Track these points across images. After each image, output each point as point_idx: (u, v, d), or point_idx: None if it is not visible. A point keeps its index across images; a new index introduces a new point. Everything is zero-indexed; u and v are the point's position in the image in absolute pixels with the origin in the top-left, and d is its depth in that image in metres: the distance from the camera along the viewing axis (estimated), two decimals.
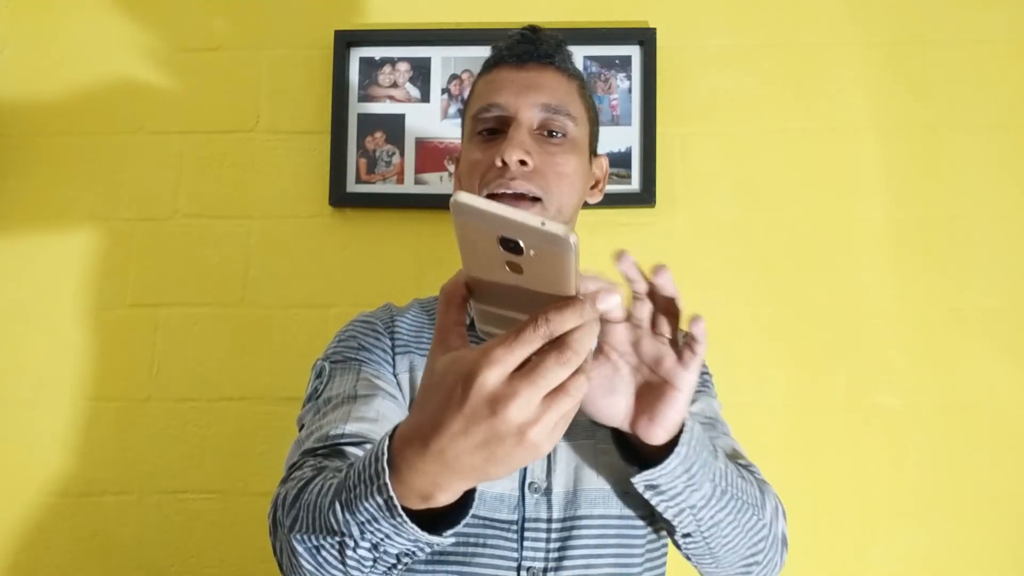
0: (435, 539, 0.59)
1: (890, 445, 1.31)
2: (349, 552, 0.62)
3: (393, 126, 1.40)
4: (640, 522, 0.82)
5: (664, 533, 0.86)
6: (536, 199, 0.88)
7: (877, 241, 1.36)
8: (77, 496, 1.35)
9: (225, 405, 1.36)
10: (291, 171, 1.41)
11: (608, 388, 0.67)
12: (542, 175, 0.88)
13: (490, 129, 0.92)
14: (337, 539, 0.63)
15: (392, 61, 1.42)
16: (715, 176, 1.39)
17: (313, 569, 0.66)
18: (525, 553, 0.79)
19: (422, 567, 0.79)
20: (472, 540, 0.79)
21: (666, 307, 0.65)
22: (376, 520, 0.59)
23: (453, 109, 1.40)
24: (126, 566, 1.33)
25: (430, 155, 1.40)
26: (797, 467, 1.31)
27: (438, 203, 1.37)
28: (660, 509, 0.74)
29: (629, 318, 0.65)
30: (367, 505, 0.58)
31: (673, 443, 0.69)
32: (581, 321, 0.49)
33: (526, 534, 0.80)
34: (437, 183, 1.39)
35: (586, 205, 1.00)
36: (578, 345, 0.48)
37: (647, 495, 0.74)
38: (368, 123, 1.40)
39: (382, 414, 0.82)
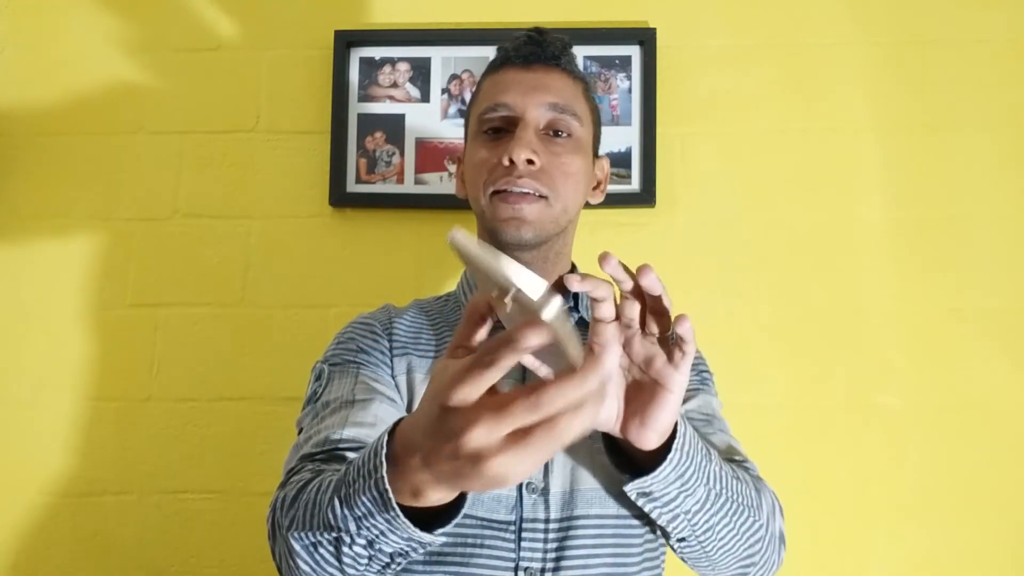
0: (427, 537, 0.59)
1: (890, 445, 1.31)
2: (345, 549, 0.63)
3: (393, 126, 1.40)
4: (636, 522, 0.83)
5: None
6: (542, 197, 0.89)
7: (877, 241, 1.36)
8: (77, 496, 1.35)
9: (225, 405, 1.36)
10: (291, 171, 1.42)
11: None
12: (548, 174, 0.89)
13: (496, 128, 0.92)
14: (334, 535, 0.63)
15: (392, 61, 1.42)
16: (715, 176, 1.39)
17: (310, 569, 0.66)
18: (523, 553, 0.79)
19: (420, 567, 0.79)
20: (470, 540, 0.79)
21: (654, 306, 0.65)
22: (372, 515, 0.59)
23: (453, 109, 1.40)
24: (126, 566, 1.33)
25: (430, 155, 1.40)
26: (797, 467, 1.31)
27: (438, 203, 1.37)
28: (654, 516, 0.75)
29: (619, 318, 0.65)
30: (364, 499, 0.59)
31: (666, 448, 0.69)
32: (569, 402, 0.46)
33: (524, 534, 0.80)
34: (437, 183, 1.39)
35: (587, 206, 1.00)
36: (559, 408, 0.46)
37: (640, 502, 0.74)
38: (368, 123, 1.40)
39: (379, 418, 0.82)
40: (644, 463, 0.71)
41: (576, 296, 0.94)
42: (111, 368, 1.38)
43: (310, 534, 0.65)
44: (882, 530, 1.30)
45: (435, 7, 1.43)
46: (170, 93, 1.44)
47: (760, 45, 1.41)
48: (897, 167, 1.37)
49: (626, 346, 0.66)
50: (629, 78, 1.39)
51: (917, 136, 1.38)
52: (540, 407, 0.46)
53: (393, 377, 0.89)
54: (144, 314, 1.39)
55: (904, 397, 1.32)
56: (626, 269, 0.62)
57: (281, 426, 1.34)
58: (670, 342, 0.67)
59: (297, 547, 0.67)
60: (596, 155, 1.00)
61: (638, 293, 0.65)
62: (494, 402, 0.47)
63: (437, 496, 0.56)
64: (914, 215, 1.36)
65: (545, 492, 0.81)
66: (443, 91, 1.41)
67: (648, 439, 0.67)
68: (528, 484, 0.81)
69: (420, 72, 1.41)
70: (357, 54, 1.42)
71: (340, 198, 1.38)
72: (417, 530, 0.58)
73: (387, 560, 0.63)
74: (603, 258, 0.60)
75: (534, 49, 0.94)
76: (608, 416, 0.68)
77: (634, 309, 0.65)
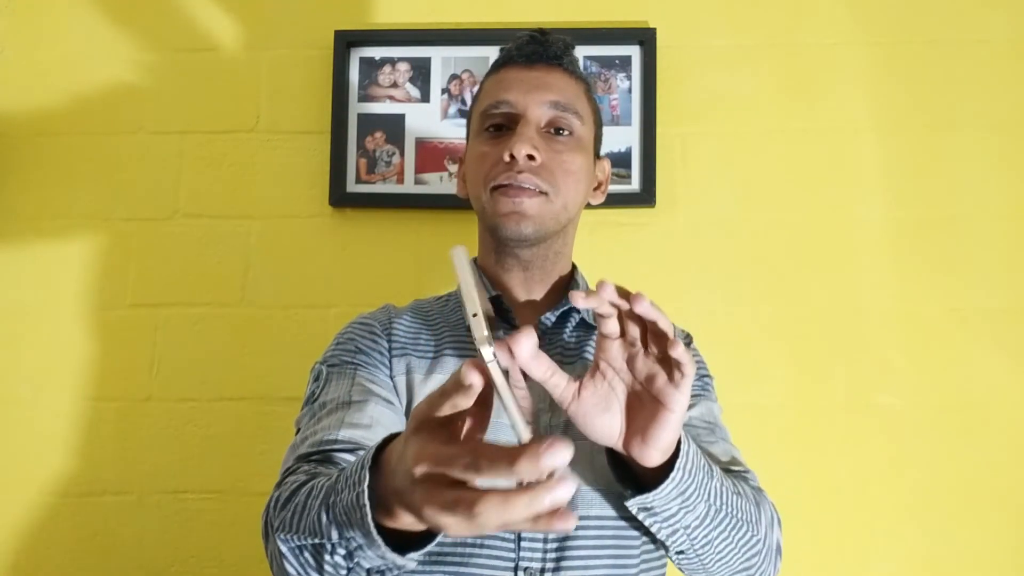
0: (399, 560, 0.59)
1: (890, 445, 1.31)
2: (327, 556, 0.63)
3: (393, 126, 1.40)
4: (637, 524, 0.83)
5: None
6: (543, 193, 0.89)
7: (877, 241, 1.36)
8: (77, 496, 1.35)
9: (225, 405, 1.36)
10: (291, 171, 1.41)
11: (603, 407, 0.66)
12: (549, 171, 0.90)
13: (497, 125, 0.93)
14: (317, 541, 0.63)
15: (392, 61, 1.42)
16: (715, 176, 1.39)
17: (295, 571, 0.67)
18: (522, 554, 0.79)
19: (419, 567, 0.79)
20: (469, 540, 0.79)
21: (652, 328, 0.65)
22: (352, 527, 0.59)
23: (453, 109, 1.40)
24: (126, 566, 1.33)
25: (430, 155, 1.40)
26: (797, 467, 1.31)
27: (438, 203, 1.37)
28: (654, 530, 0.75)
29: (624, 335, 0.65)
30: (345, 511, 0.59)
31: (668, 465, 0.69)
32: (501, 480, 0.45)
33: (523, 535, 0.80)
34: (437, 183, 1.39)
35: (588, 206, 1.00)
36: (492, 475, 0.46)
37: (640, 516, 0.74)
38: (368, 123, 1.40)
39: (376, 420, 0.82)
40: (646, 478, 0.71)
41: None
42: (111, 368, 1.38)
43: (296, 537, 0.66)
44: (882, 530, 1.30)
45: (435, 7, 1.43)
46: (170, 93, 1.44)
47: (760, 45, 1.41)
48: (897, 167, 1.37)
49: (629, 363, 0.65)
50: (629, 78, 1.39)
51: (917, 136, 1.38)
52: (472, 468, 0.46)
53: (392, 378, 0.89)
54: (144, 314, 1.39)
55: (904, 397, 1.32)
56: (624, 293, 0.62)
57: (281, 426, 1.34)
58: (671, 362, 0.66)
59: (284, 549, 0.67)
60: (597, 156, 1.00)
61: (637, 315, 0.65)
62: (447, 451, 0.48)
63: (408, 521, 0.56)
64: (914, 215, 1.36)
65: None
66: (443, 91, 1.41)
67: (650, 457, 0.67)
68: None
69: (420, 72, 1.41)
70: (357, 54, 1.42)
71: (340, 198, 1.38)
72: (389, 550, 0.58)
73: (364, 575, 0.63)
74: (600, 286, 0.59)
75: (537, 48, 0.95)
76: (611, 432, 0.67)
77: (635, 328, 0.65)
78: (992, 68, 1.38)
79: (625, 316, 0.63)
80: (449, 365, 0.89)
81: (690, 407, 0.91)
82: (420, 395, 0.87)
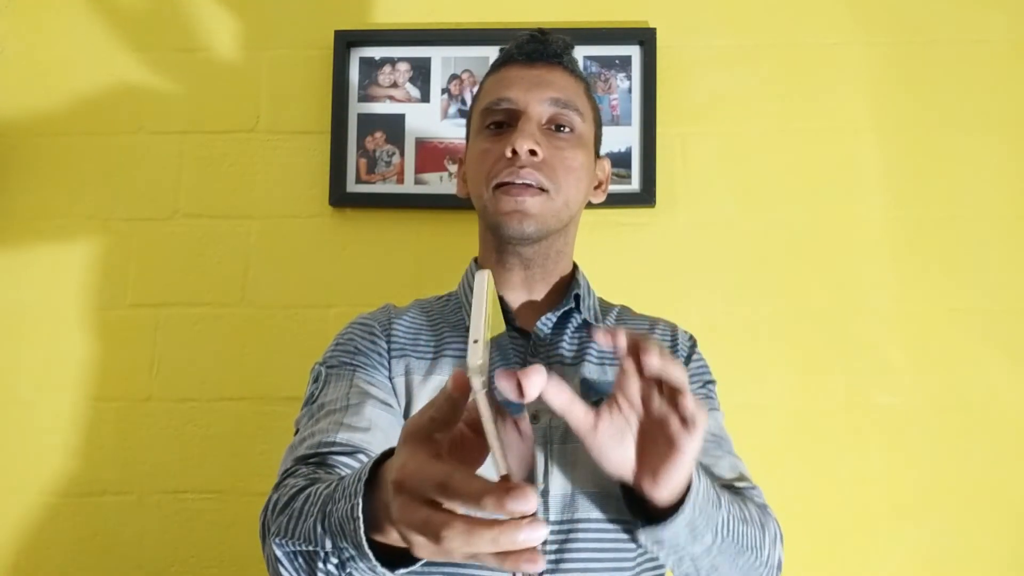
0: (388, 574, 0.59)
1: (890, 445, 1.31)
2: (320, 564, 0.64)
3: (393, 126, 1.40)
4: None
5: None
6: (544, 190, 0.89)
7: (877, 241, 1.36)
8: (77, 496, 1.35)
9: (225, 405, 1.36)
10: (291, 171, 1.41)
11: (618, 440, 0.66)
12: (551, 167, 0.90)
13: (499, 123, 0.93)
14: (311, 549, 0.63)
15: (392, 61, 1.42)
16: (715, 176, 1.39)
17: None
18: None
19: (417, 568, 0.79)
20: None
21: (665, 380, 0.64)
22: (345, 537, 0.59)
23: (453, 109, 1.40)
24: (126, 566, 1.33)
25: (430, 155, 1.40)
26: (797, 467, 1.31)
27: (438, 203, 1.37)
28: (661, 558, 0.75)
29: (642, 373, 0.64)
30: (339, 523, 0.59)
31: (678, 498, 0.69)
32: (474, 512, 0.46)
33: None
34: (437, 183, 1.39)
35: (589, 205, 1.00)
36: (460, 504, 0.46)
37: (647, 544, 0.75)
38: (368, 123, 1.40)
39: (374, 422, 0.82)
40: (655, 510, 0.71)
41: (577, 297, 0.94)
42: (111, 368, 1.38)
43: (291, 543, 0.66)
44: (882, 530, 1.30)
45: (435, 7, 1.43)
46: (170, 93, 1.44)
47: (760, 45, 1.41)
48: (897, 167, 1.37)
49: (646, 401, 0.66)
50: (629, 78, 1.40)
51: (917, 136, 1.38)
52: (445, 495, 0.46)
53: (391, 379, 0.89)
54: (144, 314, 1.39)
55: (904, 397, 1.32)
56: (637, 346, 0.62)
57: (281, 426, 1.34)
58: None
59: (279, 553, 0.67)
60: (598, 155, 1.00)
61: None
62: (432, 470, 0.48)
63: (395, 536, 0.55)
64: (914, 215, 1.36)
65: (545, 494, 0.81)
66: (443, 91, 1.41)
67: (660, 495, 0.67)
68: None
69: (420, 72, 1.41)
70: (357, 54, 1.42)
71: (340, 198, 1.38)
72: (379, 564, 0.58)
73: None
74: (615, 336, 0.60)
75: (537, 47, 0.95)
76: (624, 465, 0.68)
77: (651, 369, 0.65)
78: (992, 68, 1.38)
79: (640, 355, 0.63)
80: (449, 366, 0.89)
81: None
82: (419, 396, 0.87)
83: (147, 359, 1.38)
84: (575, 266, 1.01)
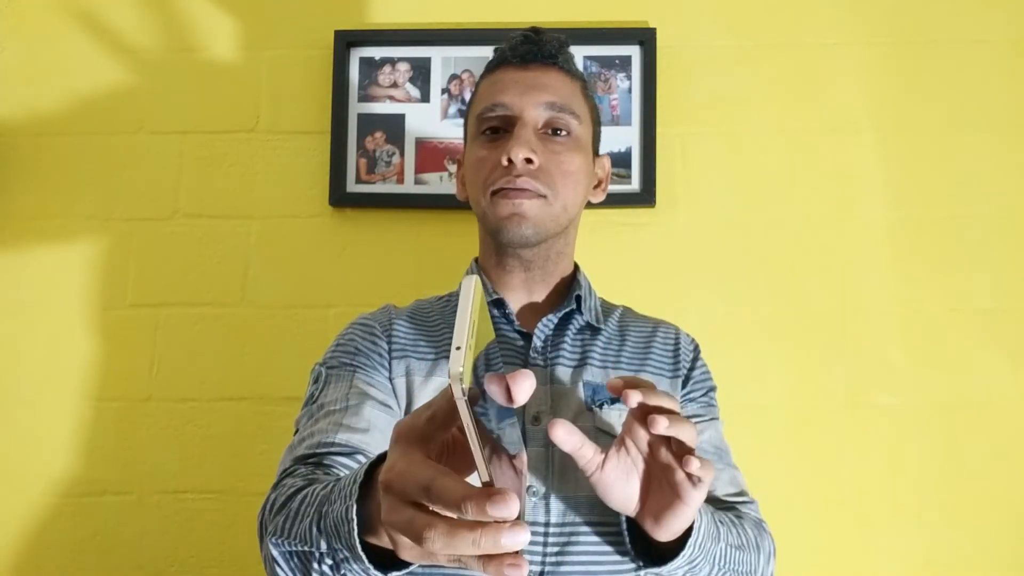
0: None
1: (890, 445, 1.31)
2: (315, 565, 0.64)
3: (393, 126, 1.40)
4: None
5: None
6: (541, 196, 0.89)
7: (877, 241, 1.36)
8: (77, 496, 1.35)
9: (225, 405, 1.36)
10: (291, 171, 1.41)
11: (624, 480, 0.68)
12: (548, 173, 0.89)
13: (494, 128, 0.92)
14: (307, 549, 0.64)
15: (392, 61, 1.42)
16: (715, 176, 1.39)
17: None
18: None
19: (418, 570, 0.79)
20: None
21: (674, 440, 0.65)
22: (339, 539, 0.59)
23: (453, 109, 1.40)
24: (126, 566, 1.33)
25: (430, 155, 1.40)
26: (797, 467, 1.31)
27: (438, 203, 1.37)
28: None
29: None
30: (335, 522, 0.59)
31: (681, 536, 0.70)
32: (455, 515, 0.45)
33: None
34: (437, 183, 1.39)
35: (589, 205, 1.00)
36: (444, 508, 0.46)
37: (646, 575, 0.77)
38: (368, 123, 1.40)
39: (373, 423, 0.82)
40: (656, 543, 0.73)
41: (579, 298, 0.94)
42: (111, 368, 1.38)
43: (287, 543, 0.66)
44: (882, 530, 1.30)
45: (435, 7, 1.43)
46: (170, 93, 1.44)
47: (760, 45, 1.41)
48: (897, 167, 1.37)
49: (653, 447, 0.67)
50: (629, 78, 1.39)
51: (917, 136, 1.38)
52: (431, 499, 0.46)
53: (391, 380, 0.89)
54: (144, 314, 1.39)
55: (904, 397, 1.32)
56: (647, 410, 0.63)
57: (281, 426, 1.34)
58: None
59: (275, 553, 0.68)
60: (596, 154, 1.00)
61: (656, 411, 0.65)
62: (422, 474, 0.48)
63: (388, 539, 0.55)
64: (914, 215, 1.36)
65: (546, 496, 0.81)
66: (443, 91, 1.41)
67: (662, 536, 0.69)
68: (529, 487, 0.81)
69: (420, 72, 1.41)
70: (357, 54, 1.42)
71: (340, 198, 1.38)
72: (371, 566, 0.58)
73: None
74: (625, 396, 0.61)
75: (531, 48, 0.94)
76: (629, 504, 0.69)
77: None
78: (992, 68, 1.38)
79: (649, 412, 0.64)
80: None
81: (700, 432, 0.91)
82: (420, 397, 0.87)
83: (147, 359, 1.38)
84: (576, 267, 1.01)
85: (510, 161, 0.87)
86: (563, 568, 0.79)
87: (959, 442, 1.31)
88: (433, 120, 1.40)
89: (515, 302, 0.96)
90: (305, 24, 1.44)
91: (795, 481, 1.31)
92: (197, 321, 1.39)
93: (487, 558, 0.45)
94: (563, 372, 0.89)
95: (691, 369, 0.95)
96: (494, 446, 0.48)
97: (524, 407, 0.85)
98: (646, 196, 1.35)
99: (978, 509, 1.29)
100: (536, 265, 0.94)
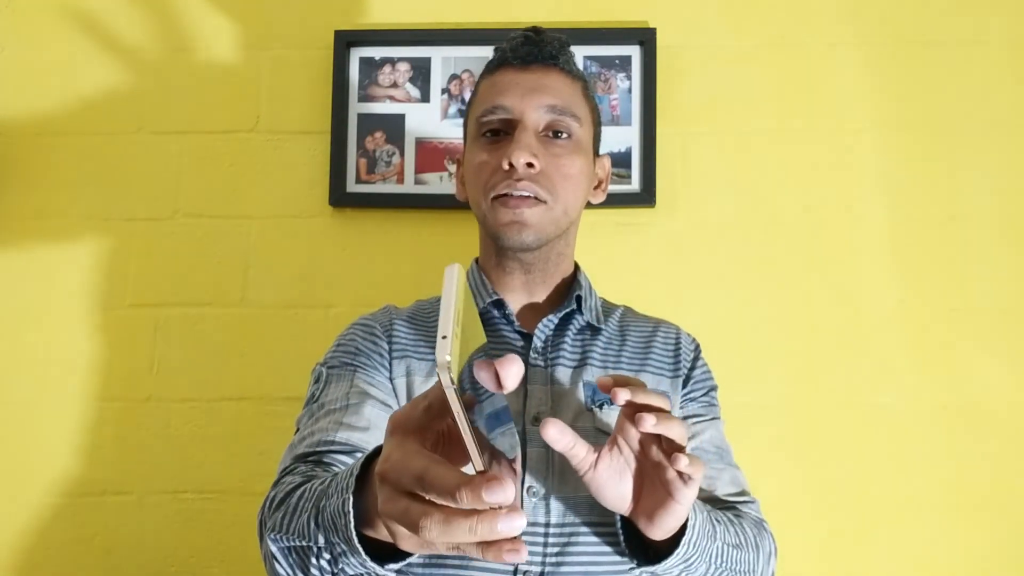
0: (378, 568, 0.60)
1: (890, 445, 1.31)
2: (312, 560, 0.64)
3: (393, 126, 1.40)
4: None
5: None
6: (542, 201, 0.89)
7: (877, 241, 1.36)
8: (77, 496, 1.35)
9: (225, 405, 1.36)
10: (291, 171, 1.41)
11: (617, 479, 0.68)
12: (548, 177, 0.89)
13: (495, 130, 0.92)
14: (304, 544, 0.64)
15: (392, 61, 1.42)
16: (715, 176, 1.39)
17: (284, 572, 0.67)
18: None
19: (419, 570, 0.79)
20: None
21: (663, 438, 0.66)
22: (336, 532, 0.60)
23: (453, 109, 1.40)
24: (126, 566, 1.33)
25: (430, 155, 1.40)
26: (797, 467, 1.31)
27: (438, 203, 1.37)
28: None
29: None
30: (332, 515, 0.60)
31: (676, 533, 0.70)
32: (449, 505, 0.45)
33: (523, 538, 0.79)
34: (437, 183, 1.39)
35: (589, 205, 1.00)
36: (437, 497, 0.46)
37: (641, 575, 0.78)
38: (368, 123, 1.40)
39: (372, 422, 0.83)
40: (651, 541, 0.73)
41: (579, 298, 0.94)
42: (111, 368, 1.38)
43: (286, 538, 0.66)
44: (882, 530, 1.30)
45: (435, 7, 1.43)
46: (170, 93, 1.44)
47: (760, 45, 1.41)
48: (897, 167, 1.37)
49: (645, 445, 0.67)
50: (629, 78, 1.39)
51: (917, 136, 1.38)
52: (426, 488, 0.46)
53: (391, 380, 0.89)
54: (144, 314, 1.39)
55: (904, 397, 1.32)
56: (636, 408, 0.63)
57: (281, 426, 1.34)
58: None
59: (274, 549, 0.68)
60: (597, 154, 1.00)
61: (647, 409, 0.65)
62: (419, 461, 0.48)
63: (385, 531, 0.56)
64: (914, 215, 1.36)
65: (547, 497, 0.81)
66: (443, 91, 1.41)
67: (655, 534, 0.69)
68: (529, 488, 0.81)
69: (420, 72, 1.41)
70: (357, 54, 1.42)
71: (340, 198, 1.38)
72: (369, 559, 0.58)
73: None
74: (614, 395, 0.61)
75: (531, 49, 0.93)
76: (622, 502, 0.70)
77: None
78: (991, 68, 1.38)
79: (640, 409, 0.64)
80: None
81: (700, 433, 0.91)
82: None
83: (147, 359, 1.38)
84: (577, 267, 1.01)
85: (511, 165, 0.87)
86: (563, 568, 0.79)
87: (959, 442, 1.31)
88: (433, 120, 1.40)
89: (515, 303, 0.96)
90: (305, 24, 1.44)
91: (795, 481, 1.31)
92: (197, 321, 1.39)
93: (485, 544, 0.45)
94: (563, 372, 0.89)
95: (692, 369, 0.95)
96: (488, 442, 0.49)
97: (524, 408, 0.85)
98: (646, 196, 1.35)
99: (978, 509, 1.30)
100: (536, 267, 0.94)
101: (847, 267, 1.36)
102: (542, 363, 0.89)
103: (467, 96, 1.40)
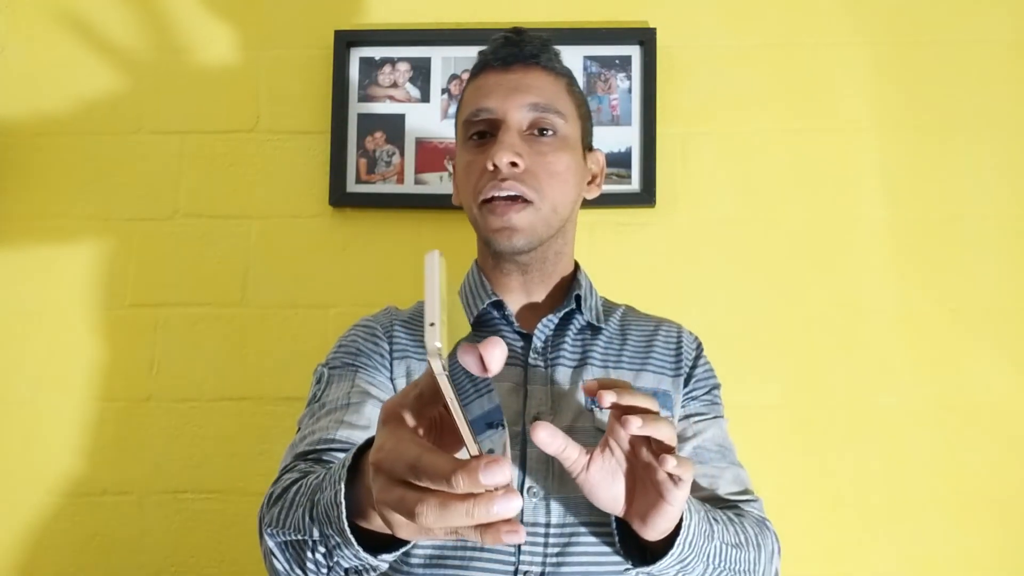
0: (371, 559, 0.60)
1: (890, 445, 1.31)
2: (308, 554, 0.64)
3: (393, 126, 1.40)
4: None
5: None
6: (528, 202, 0.89)
7: (877, 241, 1.36)
8: (77, 496, 1.35)
9: (225, 405, 1.36)
10: (291, 171, 1.41)
11: (610, 481, 0.68)
12: (534, 175, 0.89)
13: (480, 133, 0.92)
14: (300, 538, 0.64)
15: (392, 61, 1.42)
16: (715, 176, 1.39)
17: (282, 568, 0.68)
18: (523, 558, 0.79)
19: (420, 570, 0.79)
20: (469, 543, 0.79)
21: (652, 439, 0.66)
22: (330, 524, 0.60)
23: (453, 109, 1.40)
24: (126, 566, 1.33)
25: (430, 155, 1.40)
26: (797, 467, 1.31)
27: (438, 203, 1.37)
28: None
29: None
30: (326, 508, 0.60)
31: (672, 533, 0.70)
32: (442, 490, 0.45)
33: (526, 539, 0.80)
34: (437, 183, 1.39)
35: (585, 202, 1.00)
36: (431, 482, 0.46)
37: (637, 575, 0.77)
38: (368, 123, 1.40)
39: (373, 421, 0.83)
40: (646, 541, 0.73)
41: (579, 298, 0.94)
42: (111, 368, 1.38)
43: (283, 533, 0.67)
44: (882, 530, 1.30)
45: (435, 7, 1.43)
46: (170, 93, 1.44)
47: (760, 45, 1.41)
48: (897, 167, 1.37)
49: (636, 446, 0.67)
50: (629, 78, 1.39)
51: (917, 136, 1.38)
52: (419, 476, 0.46)
53: (392, 380, 0.89)
54: (144, 314, 1.39)
55: (904, 397, 1.32)
56: (623, 410, 0.63)
57: (281, 426, 1.34)
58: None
59: (271, 544, 0.68)
60: (588, 149, 0.99)
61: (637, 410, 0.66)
62: (393, 449, 0.48)
63: (379, 522, 0.56)
64: (914, 215, 1.36)
65: (547, 497, 0.81)
66: (443, 91, 1.41)
67: (649, 535, 0.69)
68: (529, 488, 0.81)
69: (420, 72, 1.41)
70: (357, 54, 1.42)
71: (340, 198, 1.38)
72: (362, 550, 0.59)
73: (343, 574, 0.64)
74: (600, 397, 0.62)
75: (512, 50, 0.94)
76: (616, 504, 0.70)
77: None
78: (992, 68, 1.38)
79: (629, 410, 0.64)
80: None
81: (702, 432, 0.91)
82: None
83: (147, 359, 1.38)
84: (577, 266, 1.01)
85: (495, 166, 0.87)
86: (564, 569, 0.79)
87: (959, 442, 1.31)
88: (433, 120, 1.40)
89: (514, 303, 0.96)
90: (305, 24, 1.44)
91: (795, 481, 1.31)
92: (197, 321, 1.39)
93: (483, 527, 0.45)
94: (563, 373, 0.89)
95: (693, 367, 0.95)
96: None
97: (524, 409, 0.85)
98: (646, 196, 1.35)
99: (978, 509, 1.29)
100: (533, 268, 0.94)
101: (847, 267, 1.36)
102: (542, 363, 0.89)
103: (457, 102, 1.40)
